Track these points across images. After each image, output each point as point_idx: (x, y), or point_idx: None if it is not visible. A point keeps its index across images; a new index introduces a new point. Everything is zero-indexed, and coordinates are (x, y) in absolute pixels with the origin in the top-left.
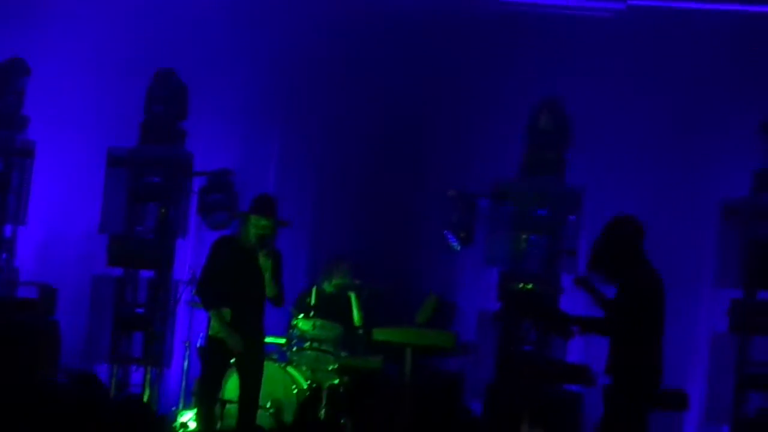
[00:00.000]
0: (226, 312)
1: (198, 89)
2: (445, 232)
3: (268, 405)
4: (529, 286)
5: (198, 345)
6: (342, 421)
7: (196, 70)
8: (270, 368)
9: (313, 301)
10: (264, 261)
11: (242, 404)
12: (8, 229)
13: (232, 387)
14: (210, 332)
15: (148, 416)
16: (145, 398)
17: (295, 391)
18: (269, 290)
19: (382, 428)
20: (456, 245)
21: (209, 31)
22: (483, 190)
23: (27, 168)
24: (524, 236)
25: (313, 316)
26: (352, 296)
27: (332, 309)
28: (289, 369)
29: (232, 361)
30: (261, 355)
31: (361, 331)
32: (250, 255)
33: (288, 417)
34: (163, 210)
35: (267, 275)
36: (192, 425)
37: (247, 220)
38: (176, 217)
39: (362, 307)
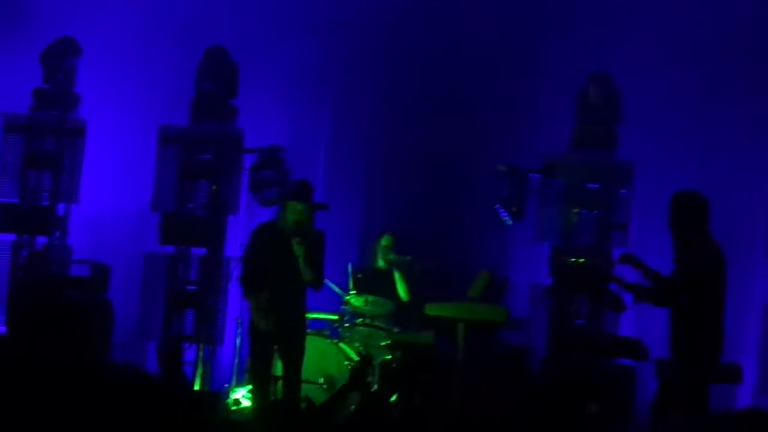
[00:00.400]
0: (263, 296)
1: (248, 66)
2: (497, 207)
3: (321, 381)
4: (581, 260)
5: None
6: (394, 396)
7: (246, 46)
8: (322, 344)
9: (350, 281)
10: (297, 247)
11: (285, 385)
12: (61, 208)
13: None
14: (255, 318)
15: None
16: (198, 375)
17: (348, 367)
18: (305, 275)
19: (435, 403)
20: (507, 220)
21: (259, 7)
22: (534, 165)
23: (78, 146)
24: (575, 210)
25: (360, 292)
26: (396, 273)
27: (385, 285)
28: (342, 345)
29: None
30: (300, 338)
31: (409, 307)
32: (288, 240)
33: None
34: (214, 187)
35: (300, 261)
36: (245, 402)
37: (285, 206)
38: (227, 194)
39: (413, 283)
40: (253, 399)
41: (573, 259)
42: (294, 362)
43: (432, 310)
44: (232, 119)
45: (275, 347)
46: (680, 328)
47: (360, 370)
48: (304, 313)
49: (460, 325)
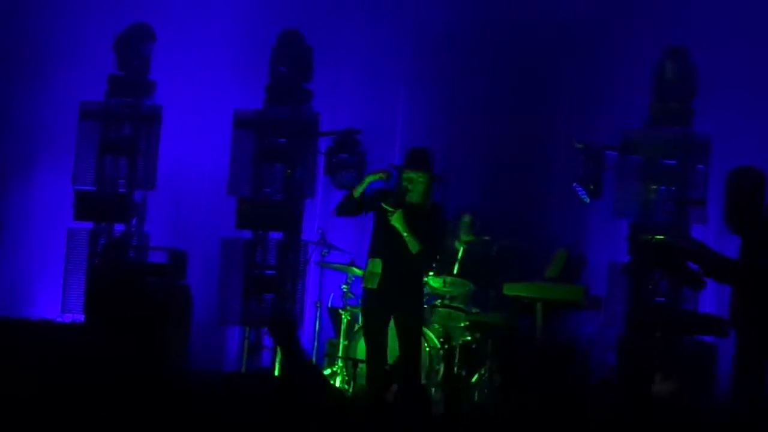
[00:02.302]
0: (377, 262)
1: (323, 48)
2: (574, 185)
3: None
4: (659, 237)
5: (329, 306)
6: (475, 378)
7: (320, 28)
8: None
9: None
10: (396, 216)
11: (403, 363)
12: (138, 195)
13: (362, 347)
14: (365, 285)
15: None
16: (278, 360)
17: (427, 350)
18: (411, 247)
19: (517, 383)
20: (585, 198)
21: None
22: (611, 142)
23: (154, 133)
24: (653, 187)
25: (438, 273)
26: (460, 248)
27: (466, 265)
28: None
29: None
30: (414, 309)
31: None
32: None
33: (422, 374)
34: (289, 171)
35: (402, 231)
36: None
37: (400, 174)
38: (303, 178)
39: (492, 264)
40: (368, 382)
41: (651, 236)
42: (409, 335)
43: (510, 290)
44: (307, 103)
45: (388, 321)
46: (745, 305)
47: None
48: (418, 284)
49: (539, 304)
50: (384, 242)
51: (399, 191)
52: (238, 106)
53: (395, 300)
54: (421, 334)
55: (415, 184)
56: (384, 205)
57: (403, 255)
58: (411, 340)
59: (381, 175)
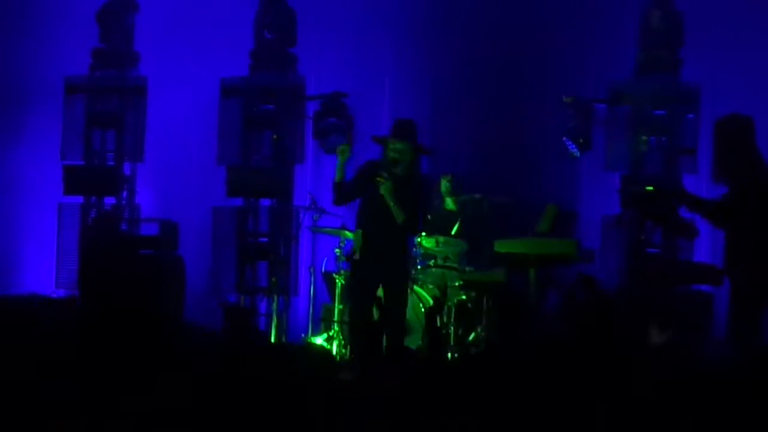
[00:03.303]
0: (359, 233)
1: (306, 12)
2: (563, 139)
3: None
4: (650, 188)
5: (323, 270)
6: (471, 336)
7: None
8: None
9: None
10: (384, 186)
11: (388, 329)
12: (127, 167)
13: None
14: (354, 255)
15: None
16: (273, 327)
17: (422, 310)
18: (396, 216)
19: (512, 341)
20: (575, 152)
21: None
22: (599, 95)
23: (141, 104)
24: (643, 138)
25: (430, 234)
26: (454, 209)
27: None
28: (416, 288)
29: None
30: (401, 276)
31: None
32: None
33: (417, 336)
34: (275, 137)
35: (389, 201)
36: None
37: (386, 144)
38: (292, 144)
39: (484, 221)
40: (353, 347)
41: (643, 188)
42: (396, 303)
43: (501, 246)
44: (292, 68)
45: (374, 289)
46: (734, 252)
47: (431, 314)
48: (403, 254)
49: (531, 260)
50: (367, 213)
51: (385, 162)
52: (224, 73)
53: (378, 269)
54: (405, 301)
55: (401, 154)
56: (379, 178)
57: (386, 225)
58: (394, 307)
59: (342, 151)
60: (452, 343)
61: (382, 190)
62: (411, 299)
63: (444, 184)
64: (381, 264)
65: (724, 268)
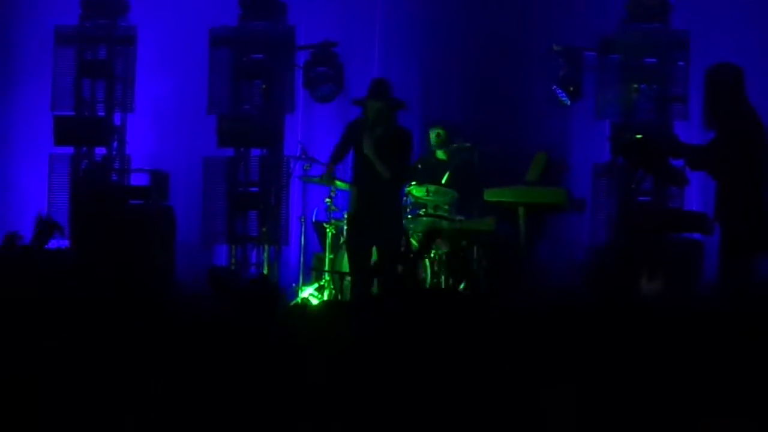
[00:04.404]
0: (354, 190)
1: None
2: (554, 87)
3: None
4: (639, 135)
5: (313, 220)
6: (462, 285)
7: None
8: None
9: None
10: (367, 144)
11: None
12: (117, 117)
13: (346, 261)
14: (348, 211)
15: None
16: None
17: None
18: (381, 173)
19: (502, 289)
20: (565, 100)
21: None
22: (589, 43)
23: (130, 54)
24: (633, 86)
25: (420, 183)
26: (444, 158)
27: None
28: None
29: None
30: (394, 230)
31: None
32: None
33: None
34: (264, 87)
35: (372, 158)
36: (313, 300)
37: (365, 105)
38: (281, 93)
39: (474, 170)
40: (352, 290)
41: (634, 135)
42: (387, 255)
43: (491, 195)
44: (282, 17)
45: (370, 242)
46: (723, 199)
47: (426, 242)
48: (393, 207)
49: (521, 209)
50: (359, 170)
51: (366, 121)
52: (214, 23)
53: (373, 223)
54: (397, 252)
55: (379, 113)
56: (365, 139)
57: (377, 181)
58: (387, 258)
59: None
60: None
61: (366, 151)
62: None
63: (433, 136)
64: (375, 216)
65: (714, 216)
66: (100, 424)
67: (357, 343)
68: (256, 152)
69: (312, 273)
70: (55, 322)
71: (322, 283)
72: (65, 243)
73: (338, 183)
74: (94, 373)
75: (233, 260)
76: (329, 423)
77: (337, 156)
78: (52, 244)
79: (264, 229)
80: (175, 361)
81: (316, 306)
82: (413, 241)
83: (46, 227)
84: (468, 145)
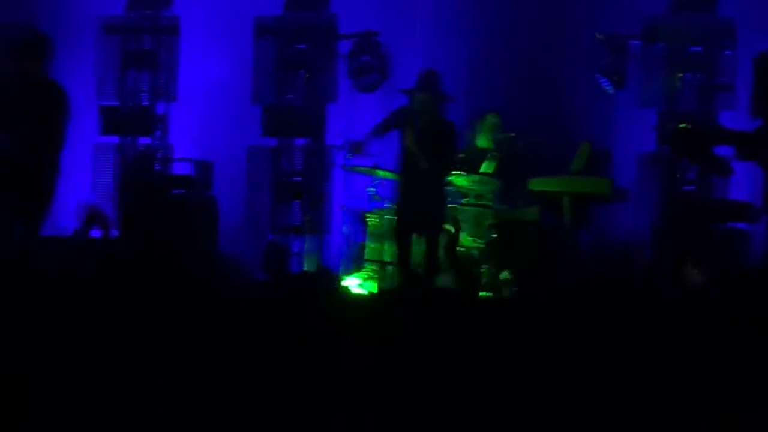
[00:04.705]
0: (399, 179)
1: None
2: (598, 76)
3: None
4: (684, 125)
5: (356, 209)
6: (504, 274)
7: None
8: None
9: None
10: (409, 136)
11: (425, 267)
12: (161, 107)
13: (389, 249)
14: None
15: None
16: (308, 265)
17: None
18: (420, 164)
19: (545, 278)
20: (609, 89)
21: None
22: (634, 31)
23: (174, 44)
24: (679, 75)
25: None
26: (489, 147)
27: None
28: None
29: None
30: (435, 221)
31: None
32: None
33: (451, 274)
34: (307, 76)
35: (413, 150)
36: (356, 290)
37: (412, 97)
38: (325, 83)
39: (518, 160)
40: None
41: (679, 125)
42: (429, 245)
43: (536, 185)
44: (325, 6)
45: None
46: None
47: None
48: (438, 198)
49: (565, 198)
50: (404, 160)
51: (411, 113)
52: (258, 12)
53: (416, 212)
54: (436, 243)
55: (425, 105)
56: (407, 129)
57: (420, 171)
58: (430, 246)
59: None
60: (485, 281)
61: (407, 143)
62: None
63: (491, 119)
64: (418, 206)
65: (762, 205)
66: (149, 405)
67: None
68: (299, 142)
69: (354, 262)
70: (104, 311)
71: (363, 273)
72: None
73: (380, 172)
74: (144, 361)
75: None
76: (366, 411)
77: (374, 133)
78: (95, 233)
79: (307, 219)
80: (220, 348)
81: (364, 296)
82: (464, 237)
83: (93, 217)
84: (512, 134)
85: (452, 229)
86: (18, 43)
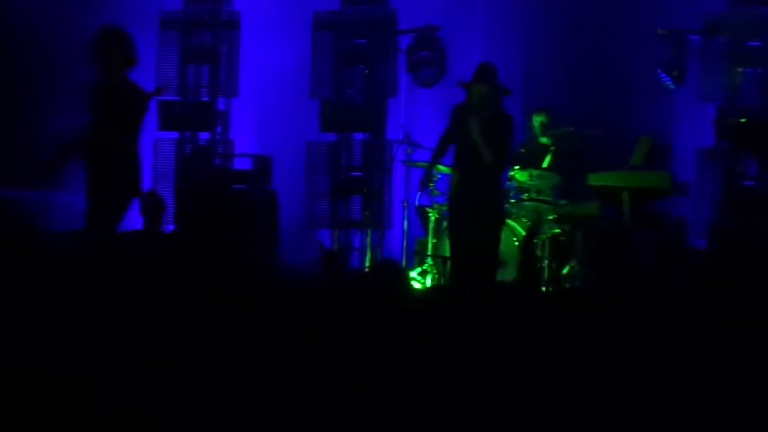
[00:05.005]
0: (455, 174)
1: None
2: (658, 71)
3: None
4: (744, 120)
5: (416, 204)
6: (565, 270)
7: None
8: None
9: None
10: (473, 130)
11: (480, 261)
12: (221, 103)
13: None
14: (449, 195)
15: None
16: (368, 261)
17: (516, 244)
18: (484, 157)
19: (603, 272)
20: (669, 84)
21: None
22: (694, 26)
23: (234, 39)
24: (739, 69)
25: (524, 167)
26: (548, 142)
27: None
28: (509, 221)
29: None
30: (494, 215)
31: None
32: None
33: (511, 269)
34: (367, 71)
35: (478, 143)
36: (416, 284)
37: (470, 90)
38: (384, 77)
39: (575, 155)
40: (451, 273)
41: (740, 119)
42: (489, 239)
43: (595, 180)
44: (384, 1)
45: (471, 224)
46: None
47: (528, 241)
48: (496, 191)
49: (625, 193)
50: (460, 155)
51: (471, 106)
52: (317, 6)
53: (474, 206)
54: (498, 236)
55: (484, 98)
56: (470, 122)
57: (478, 166)
58: (488, 242)
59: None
60: (546, 277)
61: (472, 136)
62: (504, 233)
63: (537, 122)
64: (475, 201)
65: None
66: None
67: (455, 329)
68: (359, 136)
69: (415, 257)
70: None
71: (424, 268)
72: (169, 227)
73: (440, 167)
74: (206, 356)
75: (336, 245)
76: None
77: (443, 148)
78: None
79: (367, 214)
80: (279, 342)
81: (421, 291)
82: (518, 227)
83: (155, 209)
84: (571, 129)
85: (529, 224)
86: (108, 41)
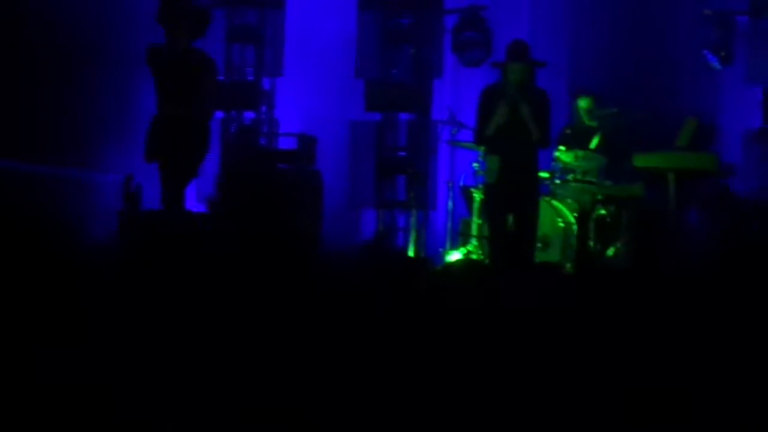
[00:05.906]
0: (494, 159)
1: None
2: (704, 52)
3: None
4: None
5: (461, 184)
6: (611, 251)
7: None
8: None
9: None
10: (522, 107)
11: (519, 242)
12: (266, 82)
13: None
14: (485, 179)
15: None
16: (412, 241)
17: (561, 225)
18: (533, 135)
19: (648, 254)
20: (716, 65)
21: None
22: (741, 7)
23: (279, 18)
24: None
25: (569, 148)
26: (593, 124)
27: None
28: (554, 202)
29: None
30: (533, 194)
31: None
32: (511, 102)
33: (555, 250)
34: (413, 51)
35: (529, 121)
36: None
37: (505, 68)
38: (430, 58)
39: (621, 136)
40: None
41: None
42: (527, 221)
43: (640, 161)
44: None
45: (509, 209)
46: None
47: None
48: (536, 172)
49: (670, 174)
50: (499, 137)
51: (509, 85)
52: None
53: (513, 191)
54: (536, 221)
55: (521, 75)
56: (516, 100)
57: (518, 147)
58: (528, 227)
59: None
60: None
61: (522, 114)
62: (549, 213)
63: (582, 102)
64: (514, 181)
65: None
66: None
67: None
68: (404, 116)
69: (459, 238)
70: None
71: (469, 248)
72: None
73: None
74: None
75: (380, 225)
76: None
77: (485, 132)
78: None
79: (411, 194)
80: (321, 324)
81: (457, 264)
82: (563, 208)
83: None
84: (616, 110)
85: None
86: (183, 13)
